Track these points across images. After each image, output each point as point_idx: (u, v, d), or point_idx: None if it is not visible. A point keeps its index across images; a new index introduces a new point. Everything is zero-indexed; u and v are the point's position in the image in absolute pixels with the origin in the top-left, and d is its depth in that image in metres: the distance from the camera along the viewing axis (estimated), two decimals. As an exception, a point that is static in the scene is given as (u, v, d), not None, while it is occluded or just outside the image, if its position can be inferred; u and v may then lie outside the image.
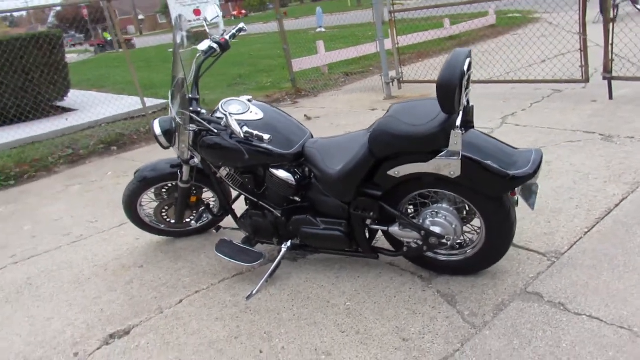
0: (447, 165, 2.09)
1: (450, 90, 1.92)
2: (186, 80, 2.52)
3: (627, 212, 2.77)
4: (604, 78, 4.86)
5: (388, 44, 6.70)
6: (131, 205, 3.08)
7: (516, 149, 2.20)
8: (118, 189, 4.44)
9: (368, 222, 2.39)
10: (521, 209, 2.58)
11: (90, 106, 7.99)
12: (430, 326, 2.15)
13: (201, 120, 2.51)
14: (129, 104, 7.90)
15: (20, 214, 4.40)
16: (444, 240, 2.27)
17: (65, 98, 8.17)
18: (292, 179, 2.49)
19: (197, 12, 20.99)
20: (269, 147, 2.44)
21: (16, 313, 2.77)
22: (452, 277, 2.46)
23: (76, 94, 8.98)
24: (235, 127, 2.26)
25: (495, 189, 2.12)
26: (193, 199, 3.00)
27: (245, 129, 2.34)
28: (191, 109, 2.60)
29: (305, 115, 6.14)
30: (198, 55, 2.73)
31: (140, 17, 64.03)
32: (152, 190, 3.08)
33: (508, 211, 2.19)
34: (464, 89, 1.98)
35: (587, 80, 5.13)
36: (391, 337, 2.12)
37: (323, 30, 16.86)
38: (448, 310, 2.24)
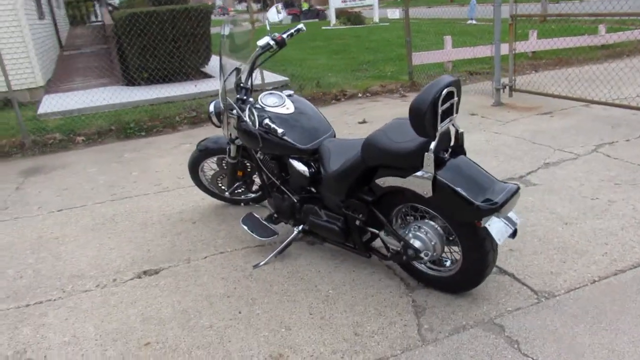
0: (420, 184, 2.20)
1: (419, 114, 2.03)
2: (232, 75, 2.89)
3: (656, 269, 2.56)
4: None
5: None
6: (194, 170, 3.62)
7: (498, 180, 2.21)
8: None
9: (357, 222, 2.58)
10: (543, 242, 2.55)
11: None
12: (385, 329, 2.31)
13: (237, 108, 2.89)
14: (259, 77, 8.63)
15: (137, 161, 5.28)
16: (422, 255, 2.38)
17: (206, 65, 9.22)
18: (307, 171, 2.76)
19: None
20: (288, 139, 2.74)
21: (94, 239, 3.49)
22: (434, 291, 2.55)
23: (215, 62, 10.03)
24: (248, 118, 2.59)
25: (462, 215, 2.18)
26: (240, 173, 3.42)
27: (266, 121, 2.67)
28: (237, 96, 2.99)
29: (364, 120, 6.16)
30: (257, 50, 3.07)
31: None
32: (215, 159, 3.58)
33: (481, 240, 2.22)
34: (439, 115, 2.05)
35: None
36: (347, 329, 2.33)
37: (474, 22, 16.23)
38: (410, 319, 2.36)
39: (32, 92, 8.14)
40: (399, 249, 2.48)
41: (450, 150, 2.28)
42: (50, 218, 3.93)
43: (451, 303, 2.45)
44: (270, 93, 2.99)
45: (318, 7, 31.86)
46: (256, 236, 2.98)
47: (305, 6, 31.12)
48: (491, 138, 4.97)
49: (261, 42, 3.06)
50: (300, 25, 3.19)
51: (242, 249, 3.16)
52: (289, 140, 2.74)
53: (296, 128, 2.77)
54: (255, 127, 2.61)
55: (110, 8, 16.55)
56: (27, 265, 3.20)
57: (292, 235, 2.94)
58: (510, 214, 2.23)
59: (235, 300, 2.63)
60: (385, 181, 2.36)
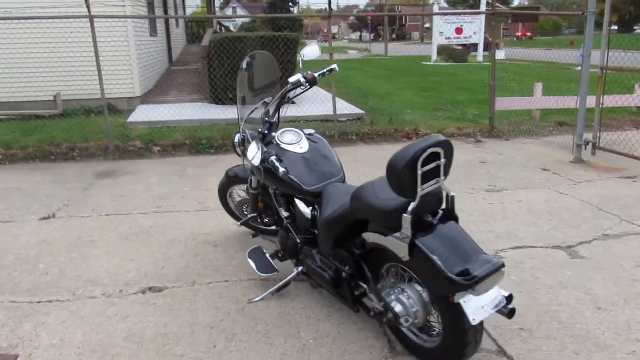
0: (398, 246, 2.05)
1: (395, 172, 1.90)
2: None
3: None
4: None
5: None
6: (223, 195, 3.70)
7: (483, 254, 1.99)
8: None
9: (344, 274, 2.46)
10: (564, 326, 2.29)
11: (304, 103, 9.12)
12: (348, 393, 2.16)
13: (249, 142, 2.91)
14: (337, 108, 8.69)
15: (196, 178, 5.53)
16: (401, 321, 2.20)
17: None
18: (309, 213, 2.70)
19: (458, 31, 21.20)
20: (293, 179, 2.70)
21: (122, 248, 3.68)
22: (418, 361, 2.35)
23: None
24: (251, 154, 2.59)
25: (436, 286, 1.99)
26: (261, 205, 3.43)
27: (272, 158, 2.66)
28: (259, 130, 3.02)
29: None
30: (288, 86, 3.09)
31: (427, 25, 66.83)
32: (244, 187, 3.63)
33: (460, 316, 2.01)
34: (418, 176, 1.90)
35: None
36: (309, 385, 2.22)
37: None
38: (379, 388, 2.19)
39: (130, 101, 8.91)
40: (382, 309, 2.33)
41: (441, 214, 2.10)
42: (97, 221, 4.22)
43: (430, 378, 2.24)
44: (290, 130, 2.98)
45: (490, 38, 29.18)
46: (256, 270, 2.96)
47: None
48: (554, 198, 4.55)
49: (293, 79, 3.08)
50: (334, 66, 3.17)
51: (247, 280, 3.15)
52: (295, 180, 2.70)
53: (304, 168, 2.73)
54: (256, 163, 2.62)
55: (220, 29, 17.73)
56: (57, 263, 3.45)
57: (291, 276, 2.88)
58: (494, 293, 1.99)
59: (217, 333, 2.62)
60: (371, 237, 2.23)
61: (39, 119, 8.18)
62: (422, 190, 1.93)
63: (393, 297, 2.25)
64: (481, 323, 2.10)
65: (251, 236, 3.46)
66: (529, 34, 51.34)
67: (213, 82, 8.81)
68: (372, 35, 55.58)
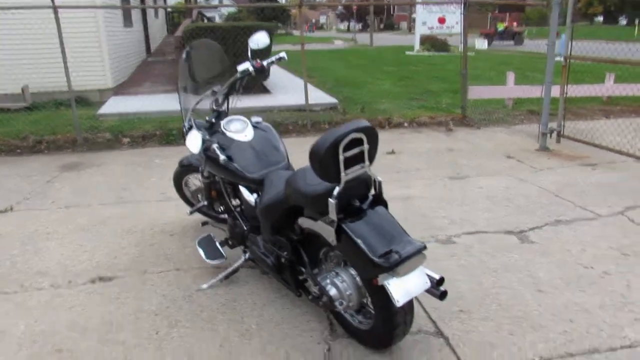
0: (326, 231, 2.07)
1: (317, 157, 1.91)
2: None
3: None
4: None
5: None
6: (178, 184, 3.70)
7: (408, 237, 2.02)
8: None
9: (282, 260, 2.48)
10: (502, 308, 2.33)
11: (279, 91, 9.12)
12: (282, 376, 2.19)
13: (194, 130, 2.90)
14: (311, 97, 8.67)
15: (162, 168, 5.47)
16: (336, 304, 2.23)
17: (266, 79, 9.48)
18: (253, 201, 2.71)
19: (441, 20, 21.14)
20: (236, 166, 2.70)
21: (77, 239, 3.66)
22: (356, 343, 2.38)
23: (279, 79, 10.26)
24: (189, 142, 2.59)
25: (361, 269, 2.02)
26: (214, 193, 3.43)
27: (213, 146, 2.66)
28: (207, 119, 3.02)
29: (392, 151, 5.93)
30: (237, 74, 3.07)
31: (414, 15, 66.71)
32: (198, 175, 3.63)
33: (386, 297, 2.03)
34: (340, 161, 1.92)
35: None
36: (245, 369, 2.24)
37: (561, 60, 15.27)
38: (313, 370, 2.22)
39: (102, 93, 8.82)
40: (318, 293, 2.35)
41: (370, 199, 2.12)
42: (55, 214, 4.19)
43: (365, 359, 2.27)
44: (236, 118, 2.98)
45: (516, 28, 27.34)
46: (204, 257, 2.97)
47: (500, 26, 26.88)
48: (513, 185, 4.61)
49: (241, 67, 3.07)
50: (282, 54, 3.16)
51: (199, 268, 3.16)
52: (237, 167, 2.71)
53: (247, 156, 2.74)
54: (195, 151, 2.62)
55: (202, 20, 17.56)
56: (9, 256, 3.43)
57: (238, 263, 2.90)
58: (419, 275, 2.03)
59: (161, 320, 2.63)
60: (304, 222, 2.25)
61: (6, 112, 8.06)
62: (346, 175, 1.95)
63: (328, 280, 2.27)
64: (410, 305, 2.14)
65: (201, 224, 3.46)
66: (514, 23, 51.42)
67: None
68: (360, 25, 55.33)
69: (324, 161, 1.90)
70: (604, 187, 4.48)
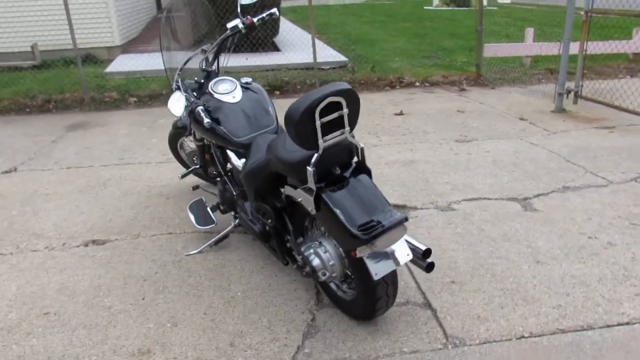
0: (305, 200, 1.99)
1: (291, 123, 1.81)
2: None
3: (605, 337, 2.13)
4: None
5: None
6: (173, 146, 3.64)
7: (390, 209, 1.92)
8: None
9: (267, 227, 2.42)
10: (496, 279, 2.25)
11: (289, 49, 8.89)
12: (263, 345, 2.17)
13: (179, 91, 2.80)
14: (321, 55, 8.45)
15: (166, 128, 5.40)
16: (319, 274, 2.17)
17: (275, 36, 9.24)
18: (240, 165, 2.63)
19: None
20: (222, 129, 2.62)
21: (75, 201, 3.66)
22: (341, 313, 2.34)
23: (291, 36, 9.98)
24: (170, 104, 2.51)
25: (340, 241, 1.94)
26: (207, 156, 3.36)
27: (198, 108, 2.57)
28: (195, 79, 2.91)
29: (401, 112, 5.76)
30: (227, 32, 2.95)
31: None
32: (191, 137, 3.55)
33: (365, 269, 1.97)
34: (317, 127, 1.81)
35: None
36: (227, 337, 2.22)
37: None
38: (295, 340, 2.19)
39: (110, 51, 8.71)
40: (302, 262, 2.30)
41: (352, 167, 2.02)
42: (56, 174, 4.20)
43: (349, 330, 2.24)
44: (225, 79, 2.87)
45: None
46: (194, 223, 2.94)
47: None
48: (523, 149, 4.44)
49: (230, 25, 2.94)
50: (274, 10, 3.00)
51: (191, 233, 3.14)
52: (223, 131, 2.62)
53: (235, 119, 2.64)
54: (177, 114, 2.54)
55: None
56: (8, 216, 3.45)
57: (228, 229, 2.86)
58: (400, 247, 1.95)
59: (148, 285, 2.62)
60: (286, 190, 2.17)
61: (17, 70, 8.04)
62: (324, 142, 1.84)
63: (311, 250, 2.21)
64: (394, 278, 2.07)
65: (192, 188, 3.42)
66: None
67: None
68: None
69: (299, 127, 1.79)
70: (619, 152, 4.29)
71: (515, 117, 5.46)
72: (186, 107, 2.69)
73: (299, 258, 2.31)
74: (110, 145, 4.91)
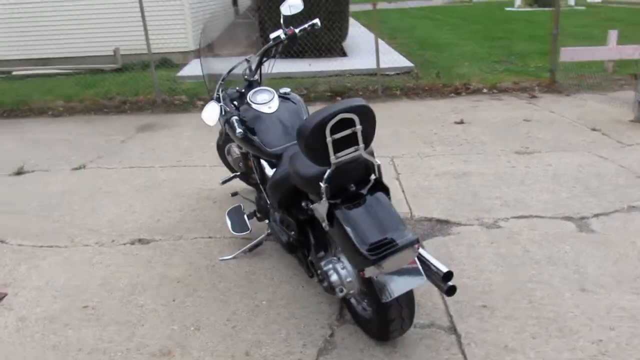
0: (320, 215, 1.96)
1: (302, 138, 1.79)
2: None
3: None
4: None
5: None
6: (221, 152, 3.74)
7: (404, 229, 1.85)
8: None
9: (290, 239, 2.42)
10: (533, 306, 2.15)
11: (357, 54, 8.86)
12: (276, 358, 2.17)
13: (219, 100, 2.88)
14: (387, 60, 8.34)
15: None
16: (336, 290, 2.14)
17: (343, 42, 9.25)
18: (271, 175, 2.66)
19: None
20: (255, 139, 2.65)
21: (131, 199, 3.87)
22: (360, 331, 2.30)
23: (360, 41, 9.94)
24: (204, 114, 2.57)
25: (350, 259, 1.90)
26: (249, 163, 3.42)
27: (233, 118, 2.63)
28: (237, 88, 2.98)
29: (461, 121, 5.52)
30: (270, 42, 2.99)
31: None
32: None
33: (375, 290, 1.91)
34: (329, 143, 1.77)
35: None
36: (244, 345, 2.25)
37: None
38: (309, 355, 2.18)
39: (184, 55, 9.14)
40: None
41: (370, 184, 1.97)
42: (119, 173, 4.47)
43: (366, 350, 2.19)
44: (263, 89, 2.91)
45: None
46: (230, 229, 3.00)
47: None
48: (589, 162, 4.12)
49: (273, 35, 2.99)
50: (315, 20, 3.01)
51: (230, 238, 3.21)
52: (257, 141, 2.65)
53: (270, 129, 2.67)
54: (214, 122, 2.60)
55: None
56: (71, 211, 3.72)
57: (261, 237, 2.90)
58: (411, 269, 1.87)
59: (181, 287, 2.71)
60: (307, 203, 2.16)
61: (99, 73, 8.66)
62: (337, 158, 1.81)
63: (330, 266, 2.19)
64: (409, 300, 2.00)
65: (231, 194, 3.49)
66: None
67: (262, 35, 8.76)
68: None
69: (309, 144, 1.78)
70: (702, 171, 3.86)
71: (586, 127, 5.09)
72: (222, 116, 2.76)
73: (319, 272, 2.29)
74: (173, 147, 5.15)
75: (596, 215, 3.25)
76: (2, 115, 6.83)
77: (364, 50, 8.83)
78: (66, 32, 9.06)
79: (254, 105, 2.80)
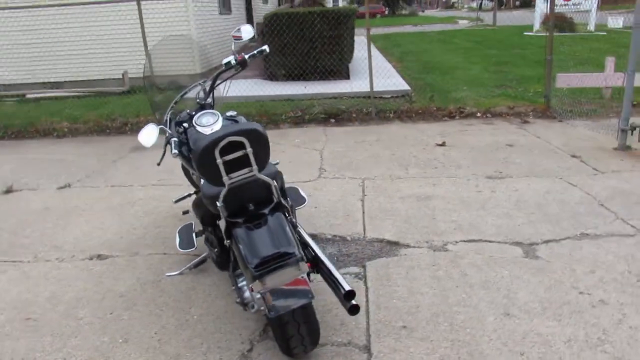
0: (222, 233, 2.06)
1: (195, 161, 1.89)
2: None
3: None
4: None
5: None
6: (184, 171, 3.88)
7: (295, 247, 1.92)
8: (283, 157, 5.29)
9: (213, 256, 2.51)
10: (452, 329, 2.19)
11: (358, 77, 9.01)
12: (190, 371, 2.25)
13: (164, 124, 3.02)
14: (386, 83, 8.44)
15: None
16: (248, 306, 2.22)
17: (347, 65, 9.43)
18: (211, 193, 2.77)
19: (566, -3, 18.79)
20: (190, 160, 2.77)
21: (101, 218, 4.04)
22: (278, 349, 2.35)
23: (364, 63, 10.06)
24: (140, 136, 2.72)
25: (244, 275, 1.97)
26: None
27: (172, 140, 2.76)
28: (187, 111, 3.13)
29: (443, 143, 5.56)
30: (221, 68, 3.14)
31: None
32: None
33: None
34: (219, 164, 1.88)
35: None
36: (163, 357, 2.33)
37: None
38: (222, 369, 2.25)
39: (192, 78, 9.44)
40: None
41: (272, 204, 2.06)
42: (100, 192, 4.66)
43: (277, 366, 2.24)
44: (208, 113, 3.03)
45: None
46: (177, 245, 3.11)
47: None
48: (556, 190, 4.11)
49: (224, 60, 3.13)
50: (265, 47, 3.15)
51: (182, 254, 3.32)
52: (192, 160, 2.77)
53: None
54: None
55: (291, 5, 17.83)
56: (43, 228, 3.90)
57: (205, 254, 3.00)
58: (297, 287, 1.93)
59: (122, 301, 2.83)
60: (220, 222, 2.26)
61: (106, 95, 9.02)
62: (230, 179, 1.91)
63: (244, 283, 2.27)
64: (307, 317, 2.06)
65: (182, 213, 3.61)
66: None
67: (267, 58, 9.02)
68: (492, 3, 51.99)
69: (201, 165, 1.89)
70: (670, 199, 3.80)
71: (567, 154, 5.06)
72: (166, 137, 2.90)
73: (233, 288, 2.38)
74: (161, 167, 5.31)
75: (546, 242, 3.24)
76: (10, 136, 7.17)
77: (364, 72, 8.95)
78: (77, 56, 9.51)
79: (197, 128, 2.92)
